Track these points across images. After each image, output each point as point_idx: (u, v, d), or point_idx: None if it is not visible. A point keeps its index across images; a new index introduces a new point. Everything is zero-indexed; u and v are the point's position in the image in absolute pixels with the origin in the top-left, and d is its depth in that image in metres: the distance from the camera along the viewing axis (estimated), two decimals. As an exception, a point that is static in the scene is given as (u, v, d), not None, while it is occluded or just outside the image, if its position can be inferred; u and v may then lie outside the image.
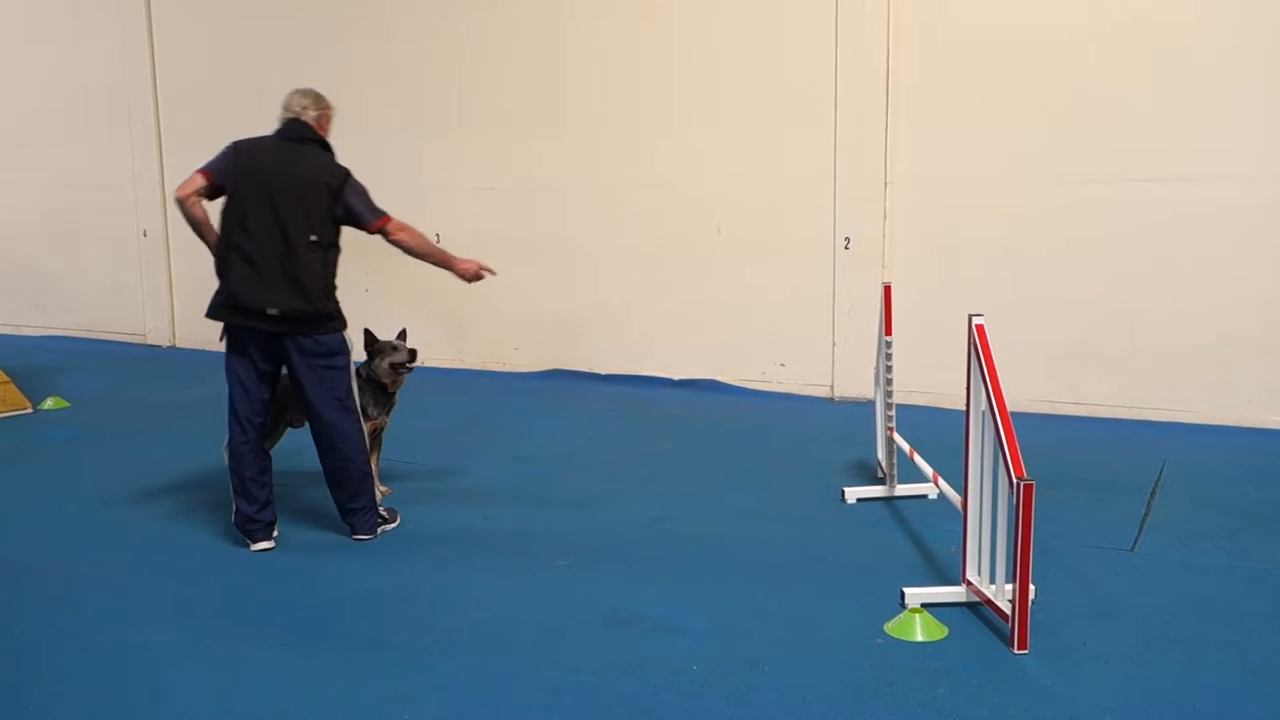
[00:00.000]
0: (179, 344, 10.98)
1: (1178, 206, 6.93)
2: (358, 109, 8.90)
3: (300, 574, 4.68)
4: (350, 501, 4.99)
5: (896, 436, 5.53)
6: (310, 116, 4.94)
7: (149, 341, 11.09)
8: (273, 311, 4.69)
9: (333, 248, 4.87)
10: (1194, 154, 6.88)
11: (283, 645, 3.99)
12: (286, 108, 4.98)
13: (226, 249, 4.80)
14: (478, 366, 9.38)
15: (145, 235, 10.89)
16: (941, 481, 5.07)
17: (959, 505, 4.42)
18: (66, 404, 8.10)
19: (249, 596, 4.47)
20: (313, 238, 4.74)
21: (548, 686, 3.63)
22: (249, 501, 4.95)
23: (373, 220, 4.89)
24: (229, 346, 4.91)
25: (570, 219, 8.88)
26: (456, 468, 6.31)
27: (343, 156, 5.06)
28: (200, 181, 4.83)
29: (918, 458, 5.39)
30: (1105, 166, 7.09)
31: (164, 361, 10.35)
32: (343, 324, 4.92)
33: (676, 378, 8.60)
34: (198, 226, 4.89)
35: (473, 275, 5.20)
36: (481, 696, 3.57)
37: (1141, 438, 6.77)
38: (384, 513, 5.16)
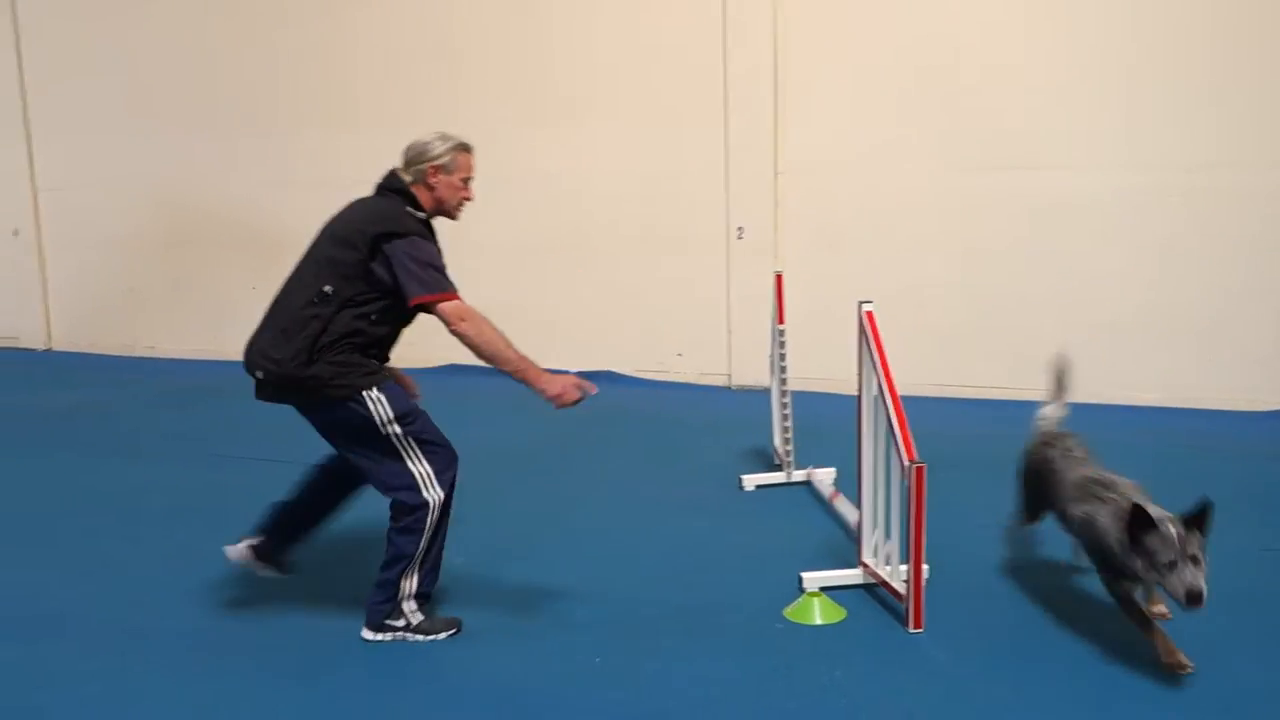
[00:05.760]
0: (55, 346, 10.55)
1: (1056, 195, 7.15)
2: (225, 101, 8.67)
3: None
4: (378, 573, 4.03)
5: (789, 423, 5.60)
6: (413, 170, 4.32)
7: (21, 345, 10.62)
8: (259, 374, 3.94)
9: (350, 306, 3.89)
10: (1071, 144, 7.11)
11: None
12: None
13: None
14: (371, 363, 9.20)
15: (16, 234, 10.42)
16: (819, 469, 5.13)
17: (852, 491, 4.48)
18: (-67, 412, 7.72)
19: (132, 611, 4.30)
20: (326, 288, 3.86)
21: (449, 685, 3.58)
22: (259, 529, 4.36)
23: (416, 293, 3.87)
24: None
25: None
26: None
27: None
28: None
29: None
30: (988, 156, 7.28)
31: (39, 365, 9.92)
32: (343, 388, 3.91)
33: (574, 370, 8.55)
34: None
35: (564, 401, 4.05)
36: (379, 701, 3.50)
37: (1028, 418, 6.93)
38: (411, 614, 3.96)
